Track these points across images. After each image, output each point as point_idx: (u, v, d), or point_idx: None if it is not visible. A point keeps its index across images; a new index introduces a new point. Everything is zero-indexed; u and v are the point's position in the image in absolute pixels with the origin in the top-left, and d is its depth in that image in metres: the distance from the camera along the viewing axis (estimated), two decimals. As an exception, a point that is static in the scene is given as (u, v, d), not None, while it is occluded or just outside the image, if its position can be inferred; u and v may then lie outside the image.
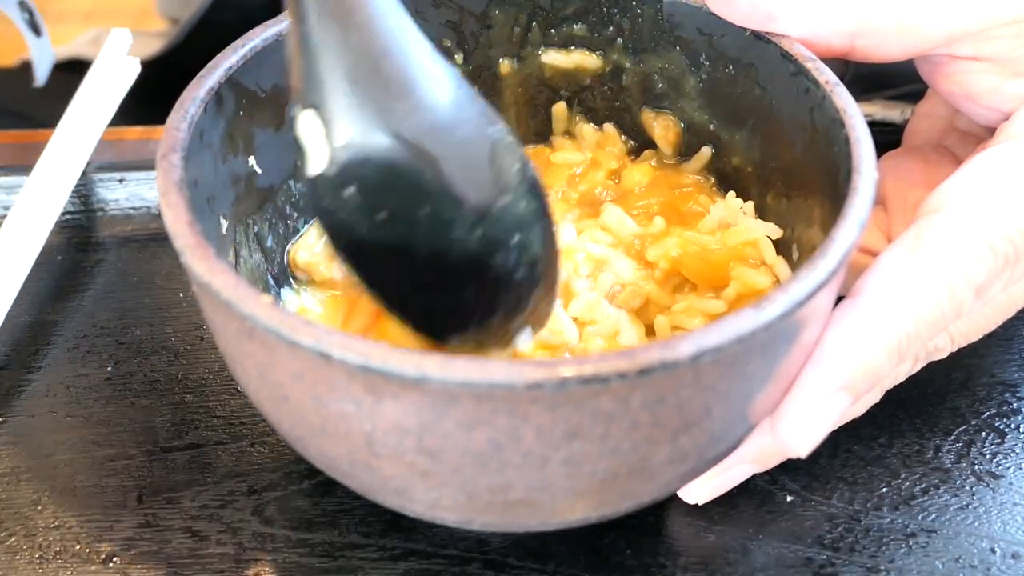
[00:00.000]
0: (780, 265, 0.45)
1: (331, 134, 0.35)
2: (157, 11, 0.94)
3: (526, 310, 0.40)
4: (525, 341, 0.41)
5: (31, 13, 0.60)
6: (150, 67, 0.67)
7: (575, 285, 0.45)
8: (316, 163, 0.36)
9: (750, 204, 0.48)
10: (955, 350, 0.46)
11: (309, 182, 0.36)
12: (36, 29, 0.61)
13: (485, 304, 0.39)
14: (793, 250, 0.46)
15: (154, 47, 0.81)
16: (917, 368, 0.46)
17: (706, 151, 0.50)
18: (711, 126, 0.50)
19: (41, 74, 0.62)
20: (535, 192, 0.39)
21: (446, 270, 0.38)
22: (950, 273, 0.40)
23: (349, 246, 0.37)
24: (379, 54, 0.35)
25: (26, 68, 0.89)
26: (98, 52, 0.64)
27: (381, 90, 0.36)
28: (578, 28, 0.50)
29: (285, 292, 0.48)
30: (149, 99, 0.62)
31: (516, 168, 0.39)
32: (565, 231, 0.46)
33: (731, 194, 0.49)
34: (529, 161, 0.39)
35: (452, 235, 0.37)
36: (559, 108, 0.52)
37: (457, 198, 0.37)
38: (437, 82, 0.37)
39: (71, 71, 0.65)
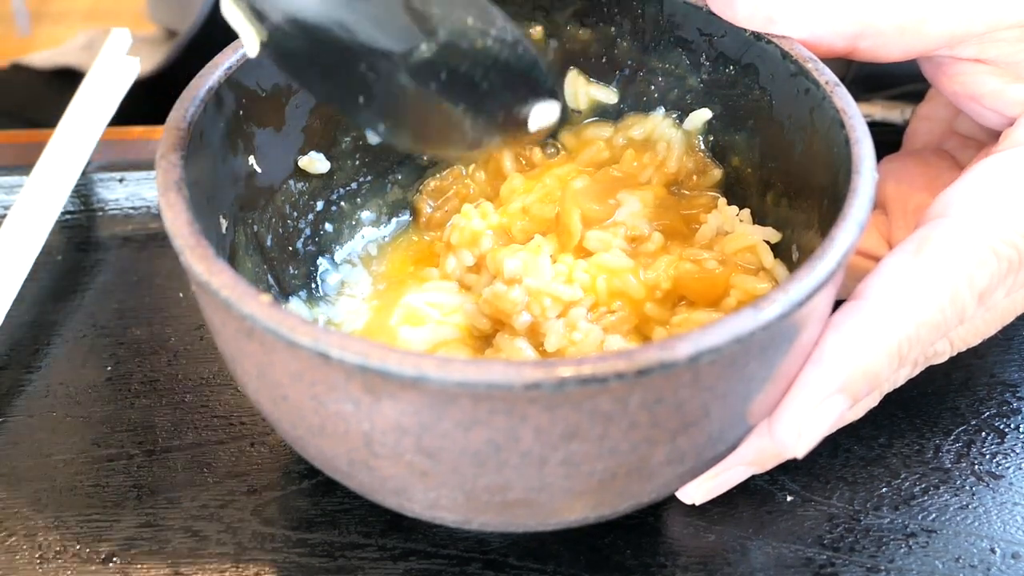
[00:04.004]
0: (779, 268, 0.45)
1: (251, 17, 0.37)
2: (149, 17, 0.94)
3: (523, 96, 0.42)
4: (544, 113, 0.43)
5: None
6: (150, 81, 0.67)
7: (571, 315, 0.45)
8: (250, 46, 0.37)
9: (746, 211, 0.48)
10: (954, 355, 0.46)
11: (255, 61, 0.39)
12: None
13: (477, 109, 0.41)
14: (793, 251, 0.46)
15: (153, 60, 0.81)
16: (916, 373, 0.46)
17: (704, 112, 0.50)
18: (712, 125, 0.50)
19: (23, 24, 0.64)
20: (472, 11, 0.40)
21: (417, 101, 0.40)
22: (953, 278, 0.40)
23: (321, 93, 0.41)
24: None
25: (27, 68, 0.90)
26: (90, 59, 0.64)
27: None
28: (579, 29, 0.50)
29: (294, 303, 0.48)
30: (149, 99, 0.62)
31: (443, 6, 0.40)
32: (542, 265, 0.46)
33: (722, 201, 0.49)
34: None
35: (400, 80, 0.39)
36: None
37: (382, 52, 0.38)
38: None
39: (68, 72, 0.65)
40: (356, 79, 0.39)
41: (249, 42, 0.37)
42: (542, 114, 0.43)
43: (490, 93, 0.41)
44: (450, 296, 0.48)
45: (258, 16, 0.37)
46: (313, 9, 0.37)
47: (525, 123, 0.43)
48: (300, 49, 0.38)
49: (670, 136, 0.50)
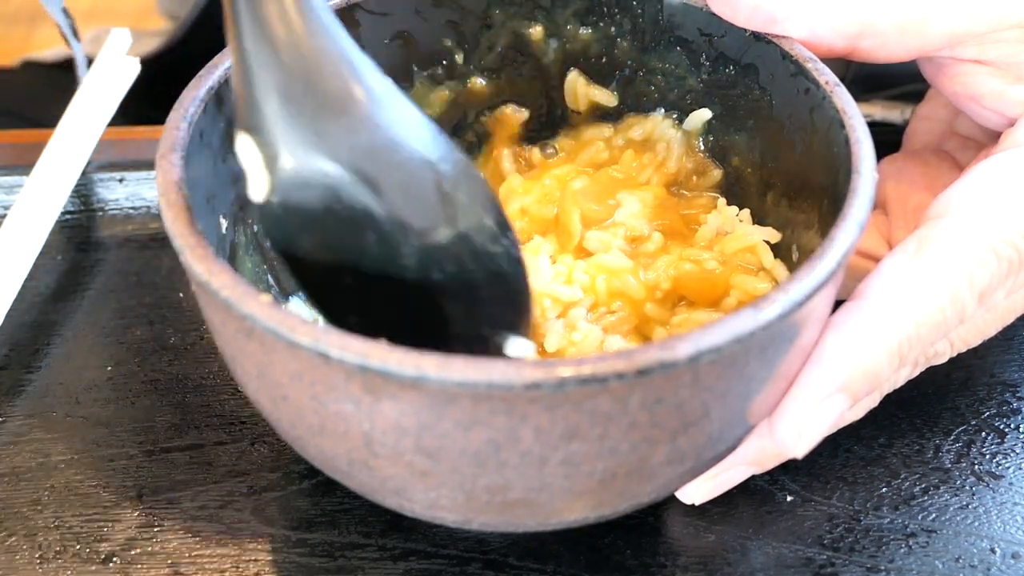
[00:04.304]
0: (779, 268, 0.45)
1: (268, 160, 0.35)
2: (158, 9, 0.94)
3: (503, 324, 0.40)
4: (517, 350, 0.41)
5: (71, 20, 0.63)
6: (150, 65, 0.67)
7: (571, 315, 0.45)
8: (257, 190, 0.35)
9: (746, 211, 0.48)
10: (954, 355, 0.46)
11: (253, 208, 0.36)
12: (76, 34, 0.63)
13: (457, 321, 0.39)
14: (793, 251, 0.46)
15: (154, 45, 0.81)
16: (916, 373, 0.46)
17: (704, 112, 0.49)
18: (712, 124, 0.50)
19: (82, 73, 0.64)
20: (491, 213, 0.39)
21: (402, 294, 0.38)
22: (953, 278, 0.40)
23: (303, 273, 0.37)
24: (313, 71, 0.35)
25: (27, 68, 0.90)
26: (98, 51, 0.64)
27: (316, 109, 0.35)
28: (579, 29, 0.50)
29: (294, 303, 0.48)
30: (149, 99, 0.62)
31: (468, 191, 0.38)
32: (541, 266, 0.45)
33: (722, 201, 0.49)
34: (484, 182, 0.39)
35: (401, 260, 0.37)
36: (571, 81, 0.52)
37: (401, 223, 0.36)
38: (378, 100, 0.36)
39: (71, 71, 0.65)
40: (353, 251, 0.36)
41: (256, 187, 0.35)
42: (517, 349, 0.40)
43: (481, 303, 0.39)
44: None
45: (273, 160, 0.35)
46: (347, 160, 0.35)
47: (498, 349, 0.40)
48: (308, 206, 0.35)
49: (670, 136, 0.50)
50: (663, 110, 0.51)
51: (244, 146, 0.35)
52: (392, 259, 0.37)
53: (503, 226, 0.40)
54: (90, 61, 0.64)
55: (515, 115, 0.52)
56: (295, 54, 0.34)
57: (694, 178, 0.50)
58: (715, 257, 0.46)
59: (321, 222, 0.36)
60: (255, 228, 0.46)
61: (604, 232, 0.47)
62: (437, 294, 0.38)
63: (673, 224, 0.48)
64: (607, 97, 0.51)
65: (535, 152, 0.52)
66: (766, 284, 0.45)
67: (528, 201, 0.49)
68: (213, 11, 0.77)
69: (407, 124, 0.37)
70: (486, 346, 0.40)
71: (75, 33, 0.63)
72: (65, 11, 0.62)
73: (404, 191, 0.36)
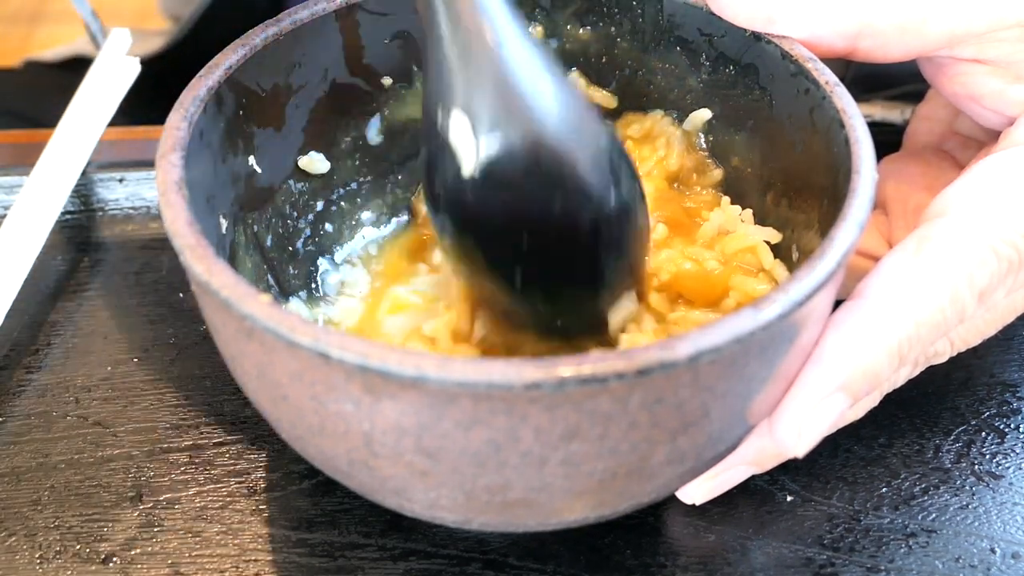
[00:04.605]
0: (779, 268, 0.45)
1: (479, 130, 0.38)
2: (160, 9, 0.95)
3: (623, 290, 0.44)
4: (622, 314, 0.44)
5: (99, 21, 0.65)
6: (151, 64, 0.67)
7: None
8: (467, 162, 0.39)
9: (748, 211, 0.48)
10: (954, 355, 0.46)
11: (458, 181, 0.39)
12: (96, 38, 0.65)
13: (599, 293, 0.43)
14: (793, 251, 0.46)
15: (155, 45, 0.81)
16: (916, 373, 0.46)
17: (704, 112, 0.50)
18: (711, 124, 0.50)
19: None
20: (639, 186, 0.43)
21: (570, 259, 0.42)
22: (953, 277, 0.40)
23: (484, 242, 0.41)
24: (517, 64, 0.38)
25: (28, 68, 0.90)
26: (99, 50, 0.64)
27: (520, 95, 0.38)
28: (579, 29, 0.50)
29: (294, 303, 0.48)
30: (149, 99, 0.62)
31: (628, 164, 0.42)
32: None
33: (726, 200, 0.49)
34: (632, 161, 0.43)
35: (579, 225, 0.40)
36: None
37: (587, 191, 0.40)
38: (560, 86, 0.40)
39: (71, 71, 0.65)
40: (536, 219, 0.40)
41: (467, 160, 0.39)
42: (622, 312, 0.44)
43: (625, 265, 0.43)
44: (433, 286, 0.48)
45: (485, 132, 0.38)
46: (551, 129, 0.39)
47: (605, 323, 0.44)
48: (510, 175, 0.39)
49: (669, 133, 0.50)
50: (663, 110, 0.51)
51: (459, 121, 0.39)
52: (571, 224, 0.40)
53: (643, 197, 0.43)
54: (90, 61, 0.64)
55: None
56: (504, 51, 0.38)
57: (694, 176, 0.50)
58: (715, 257, 0.46)
59: (518, 189, 0.39)
60: (255, 228, 0.46)
61: None
62: (598, 258, 0.42)
63: (676, 216, 0.48)
64: (607, 99, 0.51)
65: None
66: (765, 286, 0.45)
67: None
68: (214, 12, 0.77)
69: (582, 102, 0.41)
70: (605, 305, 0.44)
71: (96, 37, 0.63)
72: (94, 14, 0.63)
73: (590, 159, 0.40)
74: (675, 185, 0.50)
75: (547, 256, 0.41)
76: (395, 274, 0.50)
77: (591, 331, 0.44)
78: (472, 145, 0.38)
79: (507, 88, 0.38)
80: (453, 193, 0.40)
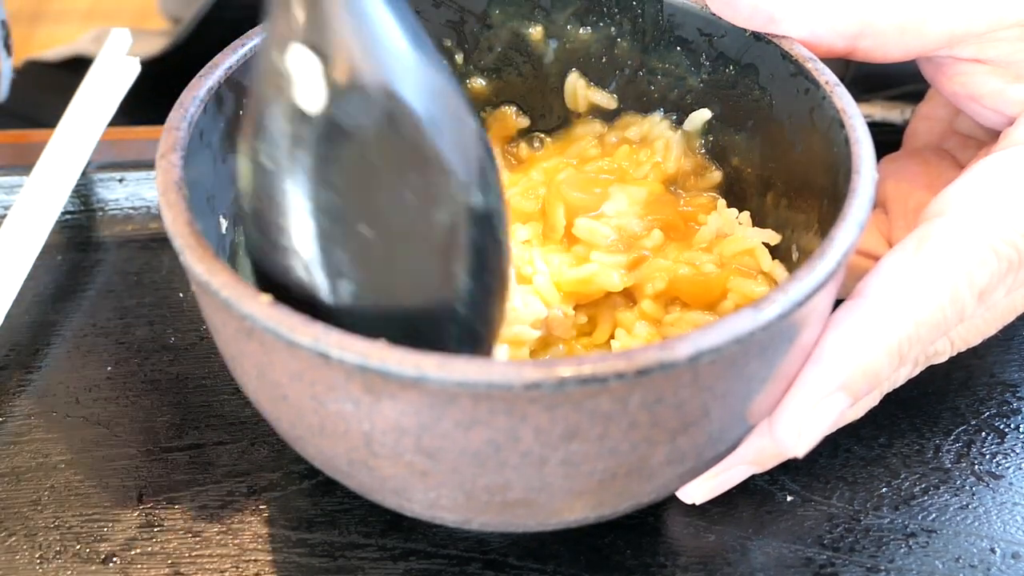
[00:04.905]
0: (778, 269, 0.45)
1: (329, 69, 0.33)
2: (159, 10, 0.95)
3: (482, 317, 0.39)
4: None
5: (7, 33, 0.62)
6: (152, 66, 0.67)
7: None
8: (313, 99, 0.33)
9: (746, 214, 0.48)
10: (954, 354, 0.46)
11: (298, 120, 0.33)
12: (8, 49, 0.63)
13: (450, 313, 0.38)
14: (793, 252, 0.46)
15: (156, 46, 0.81)
16: (916, 372, 0.46)
17: (704, 112, 0.49)
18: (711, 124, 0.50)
19: (4, 90, 0.64)
20: (503, 203, 0.38)
21: (415, 268, 0.37)
22: (953, 276, 0.40)
23: (317, 210, 0.35)
24: (382, 12, 0.34)
25: (28, 68, 0.90)
26: (99, 50, 0.64)
27: (383, 46, 0.34)
28: (579, 29, 0.50)
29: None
30: (149, 99, 0.62)
31: (495, 171, 0.38)
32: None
33: (722, 203, 0.49)
34: (497, 167, 0.39)
35: (432, 215, 0.35)
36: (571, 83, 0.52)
37: (446, 169, 0.35)
38: (430, 57, 0.36)
39: (71, 71, 0.65)
40: (389, 190, 0.35)
41: (312, 96, 0.33)
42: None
43: (482, 284, 0.38)
44: None
45: (334, 70, 0.33)
46: (411, 91, 0.34)
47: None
48: (361, 126, 0.34)
49: (668, 136, 0.50)
50: (663, 111, 0.51)
51: (299, 56, 0.33)
52: (424, 212, 0.35)
53: (506, 219, 0.39)
54: (90, 61, 0.64)
55: (515, 119, 0.53)
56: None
57: (692, 179, 0.50)
58: (713, 260, 0.46)
59: (367, 148, 0.34)
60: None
61: (594, 222, 0.47)
62: (451, 267, 0.36)
63: (671, 220, 0.48)
64: (607, 100, 0.51)
65: (523, 146, 0.52)
66: (764, 288, 0.45)
67: (511, 193, 0.49)
68: (216, 14, 0.77)
69: (456, 90, 0.37)
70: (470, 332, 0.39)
71: (8, 49, 0.63)
72: (3, 23, 0.62)
73: (456, 144, 0.36)
74: (672, 188, 0.50)
75: (389, 241, 0.36)
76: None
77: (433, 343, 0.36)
78: (319, 88, 0.33)
79: (366, 33, 0.33)
80: (290, 143, 0.34)
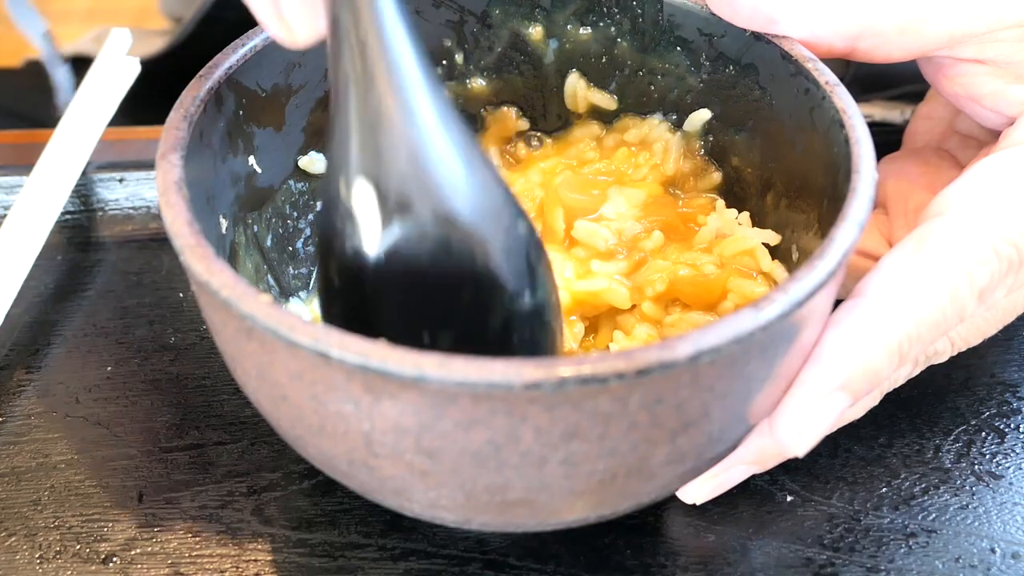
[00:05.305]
0: (778, 270, 0.45)
1: (386, 208, 0.35)
2: (160, 9, 0.95)
3: None
4: None
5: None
6: (152, 65, 0.67)
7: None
8: (370, 234, 0.36)
9: (745, 214, 0.48)
10: (955, 354, 0.46)
11: (357, 254, 0.36)
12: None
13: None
14: (793, 252, 0.46)
15: (156, 45, 0.81)
16: (916, 372, 0.46)
17: (704, 112, 0.49)
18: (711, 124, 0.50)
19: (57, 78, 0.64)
20: (555, 292, 0.41)
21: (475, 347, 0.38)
22: (953, 276, 0.40)
23: (383, 321, 0.38)
24: (433, 137, 0.36)
25: (28, 68, 0.90)
26: (99, 51, 0.64)
27: (434, 167, 0.36)
28: (579, 29, 0.50)
29: (294, 303, 0.48)
30: (149, 99, 0.62)
31: (545, 264, 0.40)
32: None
33: (721, 204, 0.49)
34: (546, 256, 0.40)
35: (488, 321, 0.38)
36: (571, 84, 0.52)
37: (500, 284, 0.37)
38: (479, 166, 0.37)
39: (72, 70, 0.65)
40: (442, 307, 0.37)
41: (370, 236, 0.36)
42: None
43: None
44: None
45: (393, 210, 0.35)
46: (467, 217, 0.36)
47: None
48: (416, 259, 0.36)
49: (667, 139, 0.50)
50: (662, 111, 0.51)
51: (363, 192, 0.36)
52: (481, 319, 0.38)
53: (558, 306, 0.41)
54: (90, 61, 0.64)
55: (516, 121, 0.53)
56: (422, 116, 0.35)
57: (691, 180, 0.50)
58: (713, 261, 0.46)
59: (426, 273, 0.36)
60: (255, 228, 0.46)
61: (593, 224, 0.47)
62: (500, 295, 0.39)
63: (671, 221, 0.48)
64: (607, 101, 0.51)
65: (520, 146, 0.53)
66: (763, 288, 0.45)
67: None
68: (216, 14, 0.77)
69: (505, 193, 0.38)
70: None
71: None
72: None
73: (507, 255, 0.38)
74: (671, 190, 0.50)
75: (448, 341, 0.38)
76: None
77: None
78: (376, 220, 0.36)
79: (419, 161, 0.35)
80: (351, 272, 0.37)
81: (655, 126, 0.51)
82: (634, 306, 0.46)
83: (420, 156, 0.35)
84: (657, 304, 0.45)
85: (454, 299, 0.37)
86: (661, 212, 0.48)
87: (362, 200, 0.36)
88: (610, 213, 0.48)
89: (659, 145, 0.50)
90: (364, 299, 0.37)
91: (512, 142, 0.53)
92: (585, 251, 0.47)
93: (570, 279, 0.46)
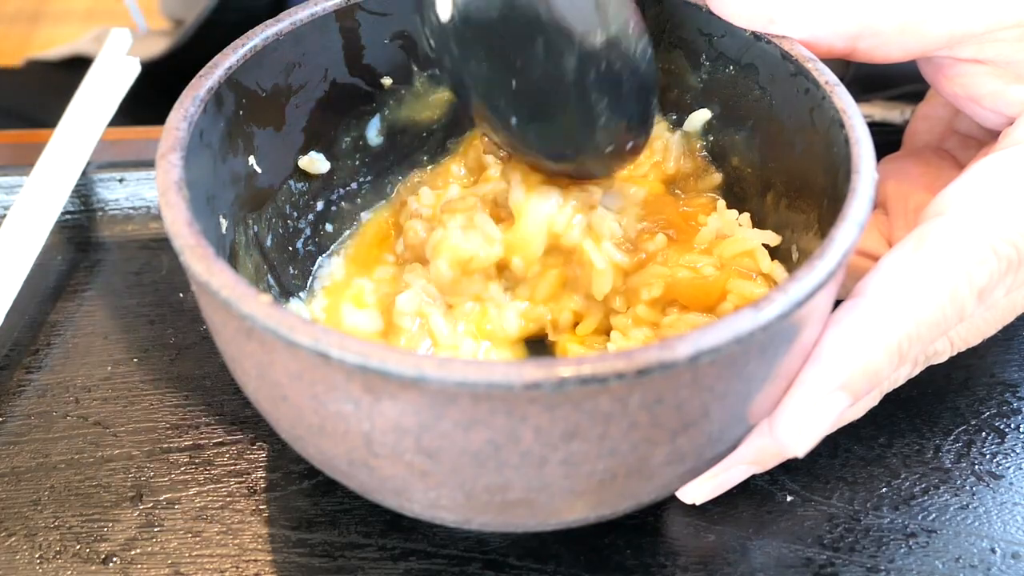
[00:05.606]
0: (778, 270, 0.45)
1: None
2: (161, 11, 0.95)
3: (636, 116, 0.44)
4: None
5: None
6: (153, 66, 0.67)
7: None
8: (444, 7, 0.39)
9: (746, 215, 0.48)
10: (954, 354, 0.46)
11: (439, 28, 0.40)
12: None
13: (590, 131, 0.43)
14: (793, 252, 0.46)
15: (157, 46, 0.81)
16: (916, 372, 0.46)
17: (704, 112, 0.50)
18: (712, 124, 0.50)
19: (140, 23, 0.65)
20: (634, 17, 0.42)
21: (562, 101, 0.41)
22: (952, 276, 0.40)
23: (471, 84, 0.41)
24: None
25: (28, 68, 0.90)
26: (99, 51, 0.64)
27: None
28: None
29: (294, 303, 0.48)
30: (149, 99, 0.62)
31: (617, 6, 0.41)
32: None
33: (722, 204, 0.49)
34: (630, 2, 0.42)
35: (564, 65, 0.40)
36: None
37: (566, 28, 0.39)
38: None
39: (72, 70, 0.65)
40: (521, 59, 0.40)
41: (443, 4, 0.39)
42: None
43: (625, 102, 0.43)
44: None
45: None
46: None
47: (635, 149, 0.45)
48: (487, 17, 0.39)
49: (667, 138, 0.50)
50: (662, 112, 0.51)
51: None
52: (555, 64, 0.40)
53: (641, 29, 0.43)
54: (90, 61, 0.64)
55: None
56: None
57: (692, 180, 0.50)
58: (712, 263, 0.46)
59: (497, 33, 0.40)
60: (255, 228, 0.46)
61: (607, 212, 0.47)
62: (599, 93, 0.42)
63: (672, 220, 0.48)
64: None
65: None
66: (763, 289, 0.45)
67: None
68: (217, 17, 0.77)
69: None
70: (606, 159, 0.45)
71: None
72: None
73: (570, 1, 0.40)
74: (673, 190, 0.50)
75: (537, 98, 0.41)
76: (366, 261, 0.50)
77: (596, 171, 0.46)
78: None
79: None
80: (438, 38, 0.40)
81: (655, 124, 0.50)
82: (628, 307, 0.46)
83: None
84: (652, 308, 0.45)
85: (528, 52, 0.40)
86: (663, 211, 0.48)
87: None
88: (613, 206, 0.48)
89: (659, 143, 0.50)
90: (454, 60, 0.41)
91: None
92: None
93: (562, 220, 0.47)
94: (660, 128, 0.50)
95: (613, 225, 0.46)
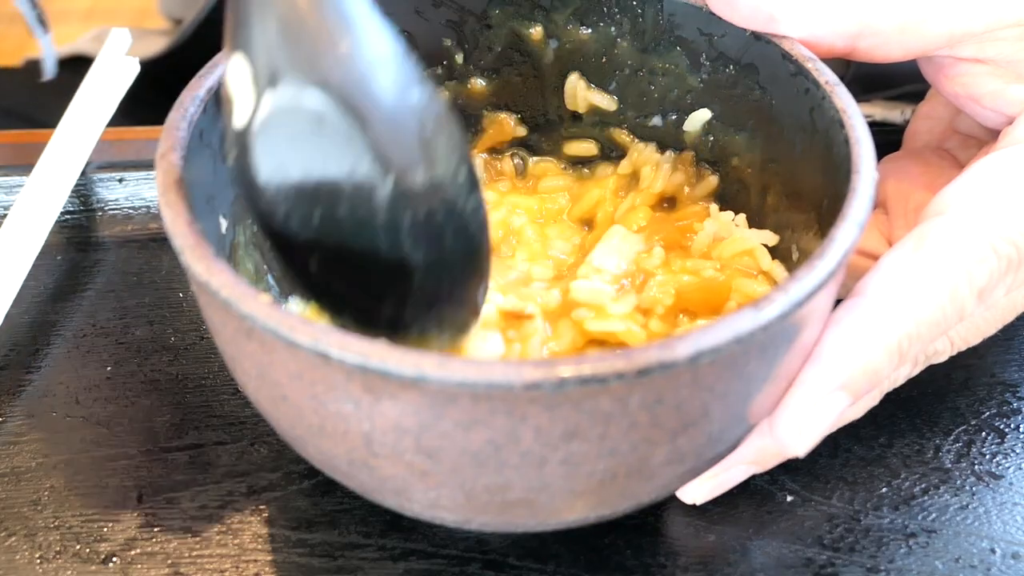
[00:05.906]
0: (778, 269, 0.45)
1: (258, 79, 0.34)
2: (160, 11, 0.95)
3: (459, 299, 0.40)
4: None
5: (39, 9, 0.62)
6: (152, 66, 0.67)
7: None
8: (242, 112, 0.35)
9: (742, 216, 0.48)
10: (954, 354, 0.46)
11: (233, 136, 0.35)
12: (44, 24, 0.62)
13: (412, 290, 0.38)
14: (793, 252, 0.46)
15: (156, 46, 0.81)
16: (916, 372, 0.46)
17: (704, 112, 0.49)
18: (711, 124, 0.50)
19: (49, 68, 0.63)
20: (464, 167, 0.38)
21: (370, 247, 0.37)
22: (952, 275, 0.40)
23: (265, 209, 0.37)
24: (310, 3, 0.34)
25: (28, 68, 0.90)
26: (100, 48, 0.64)
27: (311, 35, 0.34)
28: (579, 29, 0.50)
29: (294, 303, 0.48)
30: (149, 99, 0.62)
31: (447, 140, 0.37)
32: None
33: (714, 208, 0.49)
34: (461, 135, 0.38)
35: (375, 202, 0.36)
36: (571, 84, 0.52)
37: (383, 157, 0.35)
38: (368, 36, 0.35)
39: (72, 70, 0.65)
40: (328, 187, 0.36)
41: (241, 110, 0.35)
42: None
43: (444, 264, 0.38)
44: None
45: (263, 80, 0.34)
46: (337, 87, 0.34)
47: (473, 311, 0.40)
48: (292, 131, 0.35)
49: (654, 160, 0.51)
50: (662, 112, 0.51)
51: (236, 66, 0.34)
52: (367, 199, 0.36)
53: (473, 182, 0.38)
54: (90, 61, 0.64)
55: (513, 127, 0.53)
56: None
57: (686, 189, 0.50)
58: (713, 265, 0.46)
59: (302, 151, 0.35)
60: (255, 228, 0.46)
61: (593, 283, 0.45)
62: (403, 247, 0.37)
63: (670, 236, 0.48)
64: (607, 101, 0.51)
65: (506, 161, 0.53)
66: (765, 287, 0.45)
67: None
68: (216, 16, 0.77)
69: (394, 63, 0.36)
70: (441, 313, 0.40)
71: (43, 24, 0.62)
72: (32, 0, 0.62)
73: (390, 127, 0.35)
74: (664, 204, 0.51)
75: (343, 237, 0.37)
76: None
77: (406, 332, 0.39)
78: (250, 99, 0.35)
79: (294, 29, 0.34)
80: (237, 153, 0.36)
81: (640, 151, 0.51)
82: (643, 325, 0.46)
83: (286, 28, 0.34)
84: (664, 321, 0.45)
85: (337, 179, 0.35)
86: (660, 229, 0.48)
87: (236, 73, 0.35)
88: (611, 266, 0.47)
89: (647, 169, 0.50)
90: (250, 183, 0.36)
91: (503, 151, 0.53)
92: (589, 310, 0.45)
93: (584, 318, 0.44)
94: (647, 152, 0.51)
95: (602, 288, 0.45)
